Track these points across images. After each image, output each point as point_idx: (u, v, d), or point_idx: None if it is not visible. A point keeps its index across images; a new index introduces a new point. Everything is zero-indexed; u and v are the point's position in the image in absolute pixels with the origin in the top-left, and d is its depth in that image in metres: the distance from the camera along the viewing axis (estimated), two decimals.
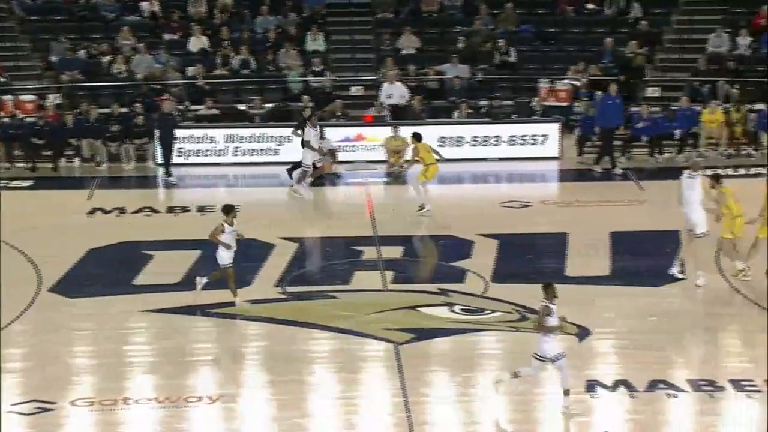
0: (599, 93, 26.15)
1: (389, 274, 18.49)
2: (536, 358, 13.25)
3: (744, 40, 27.90)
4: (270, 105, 27.92)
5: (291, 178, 23.83)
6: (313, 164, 23.54)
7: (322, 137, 24.37)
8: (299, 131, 23.89)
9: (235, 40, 29.50)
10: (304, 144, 23.44)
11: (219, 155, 26.25)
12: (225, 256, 16.54)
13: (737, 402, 13.59)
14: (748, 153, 25.22)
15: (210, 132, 26.39)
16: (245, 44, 29.25)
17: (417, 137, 22.08)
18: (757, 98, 25.80)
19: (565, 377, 13.13)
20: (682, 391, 13.84)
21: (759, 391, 13.67)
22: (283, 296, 17.45)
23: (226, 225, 16.52)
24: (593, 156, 25.02)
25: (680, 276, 17.68)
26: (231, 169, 26.16)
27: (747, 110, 25.04)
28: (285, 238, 20.17)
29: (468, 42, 29.41)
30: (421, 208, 21.49)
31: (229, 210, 16.71)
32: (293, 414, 13.34)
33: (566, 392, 13.15)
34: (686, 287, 17.51)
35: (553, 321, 12.92)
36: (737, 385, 13.88)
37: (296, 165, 23.80)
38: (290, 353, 15.21)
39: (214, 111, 27.60)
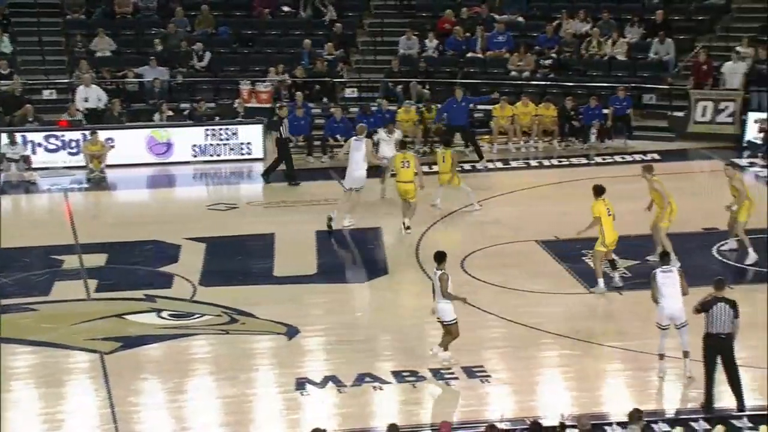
0: (299, 93, 26.53)
1: (93, 283, 17.96)
2: (441, 322, 14.39)
3: (431, 43, 29.27)
4: None
5: None
6: None
7: (13, 143, 23.26)
8: None
9: None
10: None
11: None
12: None
13: (438, 389, 14.25)
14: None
15: None
16: None
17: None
18: (444, 98, 27.05)
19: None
20: (387, 382, 14.35)
21: (457, 378, 14.41)
22: None
23: None
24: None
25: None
26: None
27: (438, 109, 26.23)
28: None
29: (165, 44, 29.04)
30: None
31: None
32: None
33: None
34: (390, 282, 18.16)
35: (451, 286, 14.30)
36: (437, 373, 14.56)
37: None
38: None
39: None
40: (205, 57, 28.72)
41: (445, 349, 14.57)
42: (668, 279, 14.10)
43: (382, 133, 23.33)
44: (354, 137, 20.95)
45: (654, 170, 18.34)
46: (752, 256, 18.12)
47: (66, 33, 29.95)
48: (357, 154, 20.40)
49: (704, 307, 13.29)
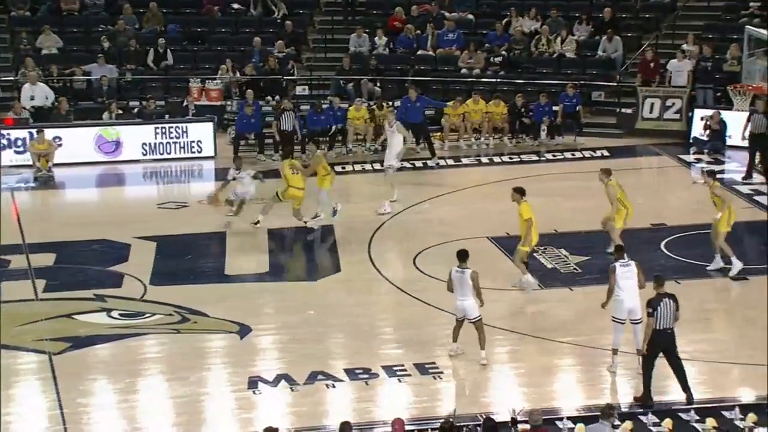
0: (249, 91, 26.42)
1: (41, 283, 17.75)
2: (469, 320, 14.57)
3: (382, 41, 29.29)
4: None
5: None
6: None
7: None
8: None
9: None
10: None
11: None
12: None
13: (390, 386, 14.27)
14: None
15: None
16: None
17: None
18: (396, 95, 27.13)
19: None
20: (340, 380, 14.35)
21: (409, 375, 14.45)
22: None
23: None
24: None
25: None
26: None
27: (389, 107, 26.24)
28: None
29: (113, 41, 28.78)
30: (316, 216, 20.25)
31: None
32: None
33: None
34: (342, 279, 18.15)
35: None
36: (390, 370, 14.59)
37: None
38: None
39: None
40: (168, 55, 28.56)
41: (483, 347, 14.57)
42: (627, 272, 14.25)
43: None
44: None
45: (611, 174, 18.18)
46: (737, 265, 17.45)
47: (11, 30, 29.55)
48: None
49: (653, 305, 13.45)
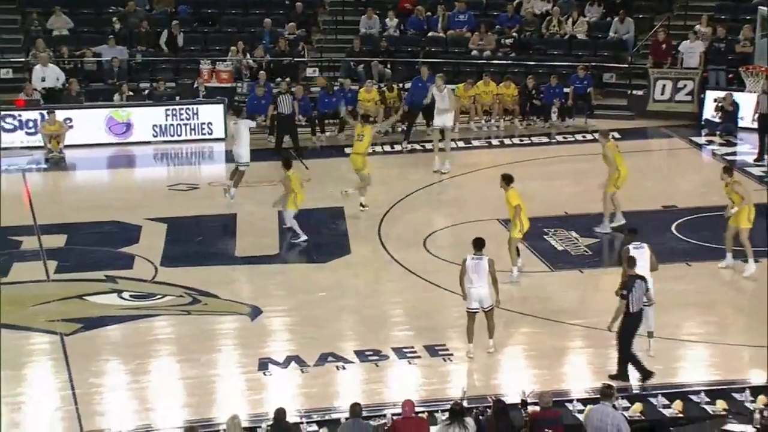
0: (262, 72, 26.38)
1: (52, 264, 17.81)
2: (483, 309, 14.42)
3: (392, 22, 29.20)
4: None
5: None
6: None
7: None
8: None
9: None
10: None
11: None
12: None
13: (400, 368, 14.30)
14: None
15: None
16: None
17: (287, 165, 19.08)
18: (406, 77, 27.05)
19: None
20: (350, 362, 14.38)
21: (419, 357, 14.47)
22: None
23: None
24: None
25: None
26: None
27: (399, 89, 26.20)
28: None
29: (124, 23, 28.75)
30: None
31: None
32: None
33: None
34: (352, 262, 18.16)
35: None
36: (400, 352, 14.61)
37: None
38: None
39: None
40: (179, 37, 28.53)
41: (491, 336, 14.54)
42: (640, 255, 14.24)
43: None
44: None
45: (609, 135, 18.47)
46: (751, 267, 16.89)
47: (22, 11, 29.55)
48: None
49: (626, 288, 13.45)
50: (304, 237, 18.80)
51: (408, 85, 26.22)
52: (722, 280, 17.11)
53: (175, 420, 13.01)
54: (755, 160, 22.88)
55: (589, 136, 25.24)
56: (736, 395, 13.07)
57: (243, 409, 13.24)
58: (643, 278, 13.65)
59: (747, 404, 12.86)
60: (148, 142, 25.45)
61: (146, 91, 26.82)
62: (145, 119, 25.55)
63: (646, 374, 13.53)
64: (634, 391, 13.38)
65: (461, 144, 25.12)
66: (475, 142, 25.46)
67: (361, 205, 20.02)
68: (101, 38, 28.19)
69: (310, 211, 20.06)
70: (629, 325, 13.50)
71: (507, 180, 16.88)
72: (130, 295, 16.65)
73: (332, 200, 20.67)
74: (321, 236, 19.26)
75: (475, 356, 14.45)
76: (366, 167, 20.07)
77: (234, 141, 21.15)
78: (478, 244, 14.52)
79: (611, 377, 13.53)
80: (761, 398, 12.76)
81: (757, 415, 12.30)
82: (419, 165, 23.13)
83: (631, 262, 13.82)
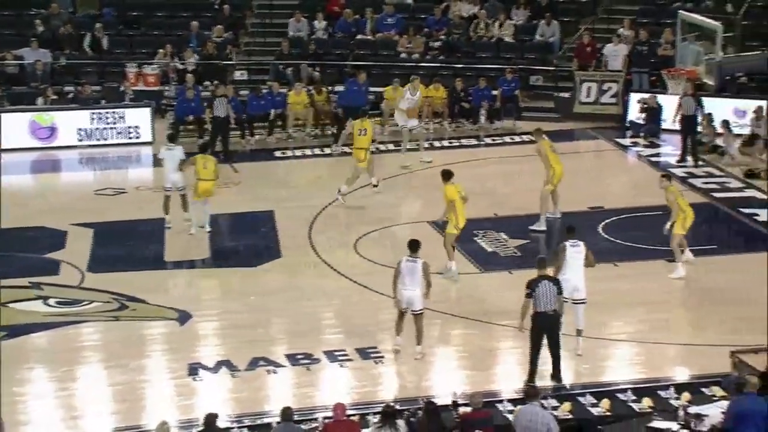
0: (189, 75, 26.17)
1: None
2: (412, 312, 14.38)
3: (321, 25, 29.18)
4: None
5: None
6: None
7: None
8: None
9: None
10: None
11: None
12: None
13: (332, 371, 14.29)
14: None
15: None
16: None
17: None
18: (336, 80, 27.05)
19: None
20: (281, 366, 14.34)
21: (351, 360, 14.48)
22: None
23: None
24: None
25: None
26: None
27: (329, 91, 26.18)
28: None
29: (47, 25, 28.32)
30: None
31: None
32: None
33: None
34: (283, 265, 18.09)
35: None
36: (331, 355, 14.60)
37: None
38: None
39: None
40: (104, 42, 28.18)
41: (419, 342, 14.44)
42: (577, 252, 14.40)
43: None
44: None
45: (542, 133, 19.01)
46: (679, 271, 16.97)
47: None
48: None
49: (531, 287, 13.59)
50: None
51: (339, 88, 26.22)
52: (649, 279, 17.37)
53: (104, 427, 12.84)
54: (678, 161, 23.30)
55: (517, 138, 25.48)
56: (661, 393, 13.30)
57: (173, 414, 13.12)
58: (553, 279, 13.74)
59: (672, 401, 13.09)
60: (74, 147, 25.08)
61: (71, 95, 26.44)
62: (70, 123, 25.21)
63: (531, 377, 13.56)
64: (568, 391, 13.51)
65: (391, 147, 25.17)
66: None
67: (374, 185, 20.80)
68: (23, 41, 27.73)
69: (240, 215, 19.96)
70: (536, 324, 13.59)
71: (445, 176, 17.02)
72: (57, 302, 16.42)
73: (262, 203, 20.59)
74: (251, 239, 19.16)
75: (402, 353, 14.47)
76: (365, 161, 20.46)
77: (165, 167, 19.62)
78: (414, 246, 14.54)
79: (551, 377, 13.66)
80: (685, 395, 13.00)
81: (681, 412, 12.53)
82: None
83: (541, 263, 13.96)
